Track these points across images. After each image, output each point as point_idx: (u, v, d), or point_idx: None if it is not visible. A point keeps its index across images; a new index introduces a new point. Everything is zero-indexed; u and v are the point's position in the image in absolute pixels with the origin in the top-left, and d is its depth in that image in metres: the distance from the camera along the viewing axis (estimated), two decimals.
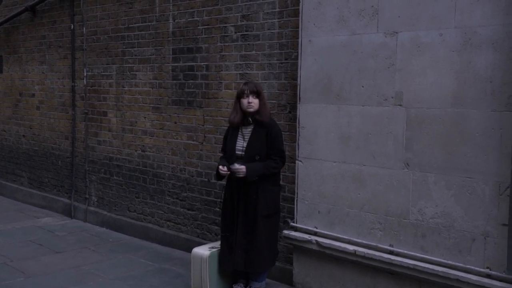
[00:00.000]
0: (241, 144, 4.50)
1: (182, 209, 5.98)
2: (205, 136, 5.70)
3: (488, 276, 3.65)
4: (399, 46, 4.07)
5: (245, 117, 4.46)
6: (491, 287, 3.60)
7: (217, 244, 4.76)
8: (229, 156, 4.56)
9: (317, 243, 4.53)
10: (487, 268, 3.67)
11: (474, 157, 3.73)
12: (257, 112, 4.43)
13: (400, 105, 4.06)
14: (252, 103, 4.39)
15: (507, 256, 3.51)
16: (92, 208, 7.14)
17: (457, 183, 3.81)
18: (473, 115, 3.73)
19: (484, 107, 3.67)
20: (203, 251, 4.66)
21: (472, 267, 3.72)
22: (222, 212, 4.73)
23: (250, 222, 4.44)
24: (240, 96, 4.47)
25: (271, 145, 4.43)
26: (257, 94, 4.43)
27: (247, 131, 4.48)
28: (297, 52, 4.72)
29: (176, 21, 5.93)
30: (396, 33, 4.07)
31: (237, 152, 4.49)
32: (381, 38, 4.15)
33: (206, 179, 5.70)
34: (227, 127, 4.73)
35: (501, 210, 3.60)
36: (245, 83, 4.53)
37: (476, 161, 3.72)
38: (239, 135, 4.53)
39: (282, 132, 4.91)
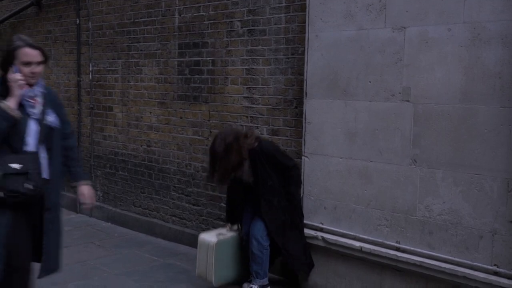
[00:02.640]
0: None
1: (187, 204, 5.97)
2: (210, 131, 5.68)
3: (496, 273, 3.62)
4: (407, 41, 4.03)
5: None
6: (498, 284, 3.57)
7: (225, 231, 4.73)
8: (240, 200, 4.67)
9: (323, 239, 4.51)
10: (495, 265, 3.64)
11: (482, 154, 3.69)
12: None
13: (408, 100, 4.03)
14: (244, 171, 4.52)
15: None
16: (97, 203, 7.12)
17: (465, 180, 3.77)
18: (482, 111, 3.69)
19: (493, 103, 3.64)
20: (210, 237, 4.59)
21: (480, 264, 3.70)
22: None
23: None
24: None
25: (274, 163, 4.42)
26: (230, 147, 4.38)
27: (247, 171, 4.49)
28: (304, 47, 4.69)
29: (182, 15, 5.90)
30: (404, 28, 4.04)
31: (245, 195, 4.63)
32: (389, 33, 4.11)
33: None
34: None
35: (509, 207, 3.57)
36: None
37: (484, 158, 3.68)
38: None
39: (288, 128, 4.90)
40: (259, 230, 4.46)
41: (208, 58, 5.66)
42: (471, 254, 3.75)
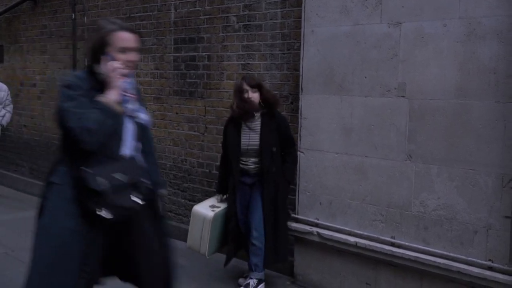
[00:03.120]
0: (247, 138, 4.47)
1: (183, 200, 5.97)
2: (206, 127, 5.68)
3: (490, 268, 3.63)
4: (402, 37, 4.03)
5: (248, 111, 4.43)
6: (493, 279, 3.59)
7: (216, 202, 4.68)
8: (236, 152, 4.47)
9: (319, 234, 4.52)
10: (489, 260, 3.65)
11: (477, 149, 3.70)
12: (261, 105, 4.46)
13: (403, 96, 4.03)
14: (250, 98, 4.40)
15: (510, 248, 3.49)
16: None
17: (460, 175, 3.78)
18: (477, 107, 3.70)
19: (488, 98, 3.65)
20: (206, 211, 4.54)
21: (474, 260, 3.71)
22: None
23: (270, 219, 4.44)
24: (240, 91, 4.44)
25: (285, 135, 4.48)
26: (259, 87, 4.45)
27: (254, 124, 4.45)
28: (300, 42, 4.68)
29: (177, 10, 5.88)
30: (400, 23, 4.04)
31: (242, 147, 4.45)
32: (385, 28, 4.11)
33: (208, 170, 5.69)
34: (225, 123, 4.67)
35: (504, 202, 3.58)
36: (242, 78, 4.56)
37: (479, 153, 3.69)
38: (244, 130, 4.48)
39: None
40: (260, 220, 4.43)
41: (204, 53, 5.65)
42: (466, 249, 3.76)
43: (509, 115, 3.54)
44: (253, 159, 4.46)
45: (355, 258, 4.36)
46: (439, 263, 3.83)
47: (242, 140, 4.45)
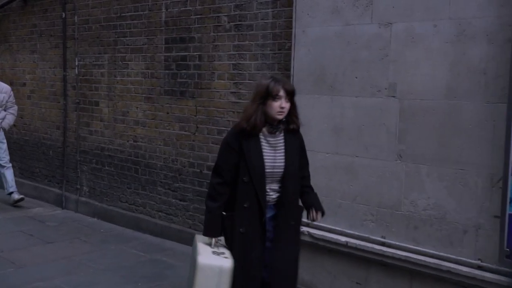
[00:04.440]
0: (272, 158, 3.27)
1: (174, 200, 5.96)
2: (197, 127, 5.67)
3: (479, 267, 3.65)
4: (393, 37, 4.04)
5: (269, 123, 3.27)
6: (482, 278, 3.60)
7: (215, 247, 3.32)
8: (262, 177, 3.22)
9: (310, 234, 4.52)
10: (479, 259, 3.67)
11: (467, 149, 3.72)
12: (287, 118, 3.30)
13: (394, 96, 4.05)
14: (284, 108, 3.22)
15: (499, 248, 3.51)
16: (83, 199, 7.10)
17: (450, 175, 3.80)
18: (467, 107, 3.72)
19: (478, 99, 3.66)
20: (218, 260, 3.23)
21: (464, 259, 3.73)
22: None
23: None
24: (268, 96, 3.19)
25: (305, 156, 3.51)
26: (292, 95, 3.27)
27: (275, 141, 3.30)
28: (291, 42, 4.69)
29: (168, 10, 5.87)
30: (390, 24, 4.05)
31: (267, 170, 3.24)
32: (375, 29, 4.13)
33: (198, 170, 5.68)
34: (228, 137, 3.36)
35: (493, 202, 3.59)
36: (276, 80, 3.24)
37: (469, 153, 3.71)
38: (264, 147, 3.27)
39: None
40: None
41: (195, 53, 5.64)
42: (455, 249, 3.78)
43: (498, 116, 3.56)
44: (273, 186, 3.30)
45: (346, 257, 4.37)
46: (429, 262, 3.84)
47: (265, 160, 3.25)
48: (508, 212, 3.41)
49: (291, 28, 4.68)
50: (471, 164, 3.70)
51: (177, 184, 5.90)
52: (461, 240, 3.76)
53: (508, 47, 3.44)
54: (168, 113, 5.96)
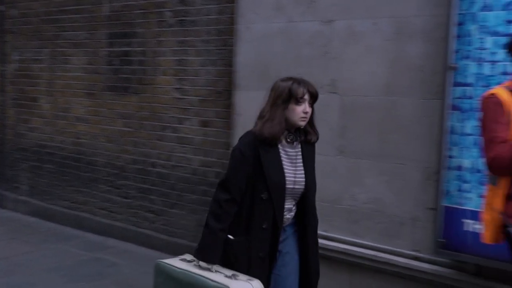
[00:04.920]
0: (293, 172, 2.78)
1: (116, 197, 5.86)
2: (141, 123, 5.60)
3: (416, 258, 3.77)
4: (334, 35, 4.12)
5: (288, 131, 2.81)
6: (418, 269, 3.73)
7: (225, 272, 2.67)
8: (282, 193, 2.73)
9: None
10: (416, 251, 3.79)
11: (405, 144, 3.83)
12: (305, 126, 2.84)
13: (335, 92, 4.12)
14: (308, 113, 2.79)
15: (434, 239, 3.63)
16: (22, 198, 6.89)
17: (389, 170, 3.90)
18: (405, 103, 3.83)
19: (416, 95, 3.78)
20: (251, 283, 2.59)
21: (401, 250, 3.84)
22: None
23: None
24: (290, 99, 2.75)
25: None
26: (315, 100, 2.85)
27: (294, 152, 2.82)
28: (235, 39, 4.70)
29: (111, 4, 5.77)
30: (332, 21, 4.12)
31: (288, 186, 2.74)
32: (317, 26, 4.19)
33: (142, 167, 5.61)
34: (241, 146, 2.76)
35: (429, 194, 3.72)
36: (298, 81, 2.80)
37: (407, 148, 3.82)
38: (284, 159, 2.77)
39: (219, 119, 4.90)
40: None
41: (138, 49, 5.57)
42: (393, 241, 3.89)
43: (434, 112, 3.68)
44: (288, 205, 2.80)
45: None
46: (368, 254, 3.94)
47: (286, 175, 2.75)
48: (442, 204, 3.52)
49: (235, 24, 4.69)
50: (408, 158, 3.81)
51: (120, 181, 5.81)
52: (399, 232, 3.87)
53: (443, 45, 3.56)
54: (111, 109, 5.86)
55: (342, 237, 4.10)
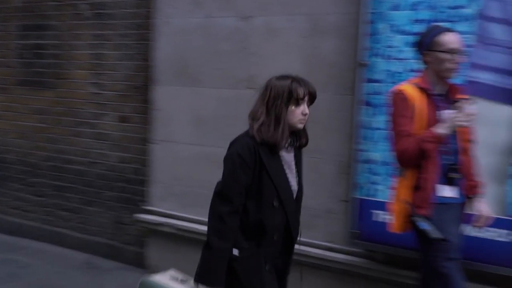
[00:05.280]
0: (291, 179, 2.58)
1: (29, 196, 5.64)
2: (56, 119, 5.42)
3: (330, 249, 3.88)
4: (252, 31, 4.16)
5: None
6: (332, 259, 3.83)
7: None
8: (291, 200, 2.56)
9: (172, 225, 4.52)
10: (330, 242, 3.90)
11: (320, 138, 3.92)
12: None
13: (253, 88, 4.15)
14: (307, 115, 2.56)
15: (347, 230, 3.74)
16: None
17: (304, 163, 3.95)
18: (320, 98, 3.86)
19: (330, 91, 3.88)
20: None
21: (316, 242, 3.92)
22: None
23: None
24: (290, 100, 2.49)
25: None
26: (313, 100, 2.62)
27: (290, 157, 2.59)
28: (153, 33, 4.65)
29: None
30: (250, 17, 4.16)
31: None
32: (235, 22, 4.22)
33: (57, 164, 5.43)
34: (240, 151, 2.47)
35: (342, 187, 3.83)
36: (297, 80, 2.53)
37: (322, 142, 3.92)
38: (284, 164, 2.55)
39: (137, 115, 4.85)
40: None
41: (53, 42, 5.38)
42: (308, 233, 3.93)
43: (347, 107, 3.79)
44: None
45: None
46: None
47: (290, 181, 2.57)
48: (354, 196, 3.64)
49: (153, 19, 4.64)
50: (323, 152, 3.91)
51: (34, 179, 5.60)
52: (314, 224, 3.96)
53: (355, 43, 3.68)
54: (24, 104, 5.63)
55: None
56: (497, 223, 3.18)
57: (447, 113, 2.85)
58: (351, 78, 3.73)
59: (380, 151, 3.55)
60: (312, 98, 2.55)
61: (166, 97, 4.56)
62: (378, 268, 3.69)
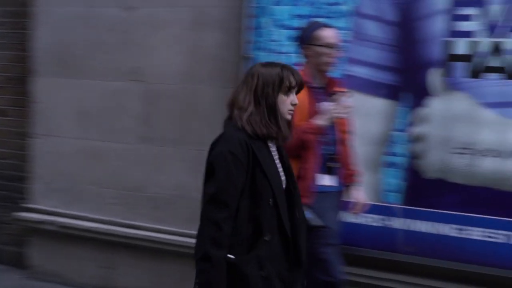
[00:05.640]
0: (282, 174, 2.33)
1: None
2: None
3: None
4: (136, 22, 4.10)
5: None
6: None
7: None
8: (281, 197, 2.22)
9: (56, 223, 4.37)
10: None
11: (206, 131, 3.92)
12: None
13: (137, 80, 4.10)
14: (296, 105, 2.30)
15: None
16: None
17: (190, 156, 3.99)
18: (205, 91, 3.94)
19: (215, 84, 3.90)
20: None
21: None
22: None
23: None
24: (280, 89, 2.21)
25: None
26: (301, 89, 2.35)
27: (274, 148, 2.31)
28: (32, 21, 4.43)
29: None
30: (133, 8, 4.09)
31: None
32: (119, 12, 4.14)
33: None
34: (231, 148, 2.16)
35: None
36: (285, 68, 2.25)
37: (207, 135, 3.90)
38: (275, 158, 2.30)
39: (15, 108, 4.63)
40: None
41: None
42: (197, 225, 3.98)
43: None
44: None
45: (93, 243, 4.30)
46: (173, 240, 3.99)
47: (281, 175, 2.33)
48: None
49: (32, 7, 4.42)
50: (208, 144, 3.91)
51: None
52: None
53: (238, 36, 3.73)
54: None
55: (147, 224, 4.11)
56: (373, 210, 3.38)
57: (325, 105, 2.97)
58: (235, 71, 3.78)
59: None
60: (300, 88, 2.31)
61: (47, 89, 4.38)
62: None
